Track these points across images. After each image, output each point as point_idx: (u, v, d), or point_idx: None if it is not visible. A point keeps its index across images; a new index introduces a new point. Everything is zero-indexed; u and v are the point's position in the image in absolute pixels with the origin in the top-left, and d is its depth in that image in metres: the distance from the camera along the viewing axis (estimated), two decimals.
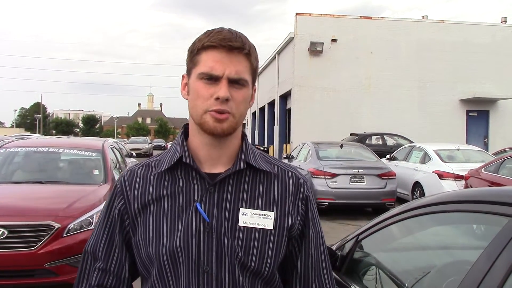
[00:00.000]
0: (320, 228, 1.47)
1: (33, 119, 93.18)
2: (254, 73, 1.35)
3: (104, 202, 5.75)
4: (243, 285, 1.30)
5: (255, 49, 1.35)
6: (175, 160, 1.35)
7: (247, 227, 1.32)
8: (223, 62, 1.27)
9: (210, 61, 1.28)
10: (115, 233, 1.40)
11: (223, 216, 1.31)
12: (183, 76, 1.39)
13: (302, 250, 1.42)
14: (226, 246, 1.29)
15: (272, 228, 1.34)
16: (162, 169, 1.37)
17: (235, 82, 1.28)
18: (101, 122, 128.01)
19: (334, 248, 2.54)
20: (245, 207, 1.33)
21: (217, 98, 1.26)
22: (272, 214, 1.35)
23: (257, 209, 1.34)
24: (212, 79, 1.28)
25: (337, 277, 2.37)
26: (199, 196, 1.33)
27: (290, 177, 1.42)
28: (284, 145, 24.00)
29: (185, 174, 1.36)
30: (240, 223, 1.32)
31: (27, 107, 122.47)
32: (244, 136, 1.43)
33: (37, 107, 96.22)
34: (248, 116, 39.59)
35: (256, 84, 1.40)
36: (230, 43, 1.27)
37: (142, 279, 1.41)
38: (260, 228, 1.33)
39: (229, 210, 1.32)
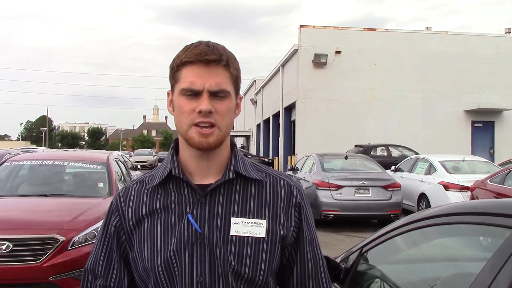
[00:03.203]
0: (315, 234, 1.48)
1: (39, 132, 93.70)
2: (236, 82, 1.37)
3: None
4: None
5: (235, 59, 1.37)
6: (166, 174, 1.37)
7: (239, 236, 1.33)
8: (202, 76, 1.29)
9: (189, 77, 1.30)
10: (113, 250, 1.42)
11: (215, 226, 1.33)
12: (168, 93, 1.41)
13: (298, 256, 1.43)
14: (219, 256, 1.31)
15: (264, 236, 1.35)
16: (154, 184, 1.39)
17: (216, 94, 1.30)
18: (106, 135, 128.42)
19: (338, 260, 2.53)
20: (237, 216, 1.35)
21: (200, 112, 1.29)
22: (264, 222, 1.36)
23: (249, 217, 1.35)
24: (193, 94, 1.30)
25: None
26: (191, 208, 1.34)
27: (282, 184, 1.43)
28: (289, 157, 23.99)
29: (177, 187, 1.38)
30: (232, 232, 1.33)
31: (33, 120, 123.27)
32: (233, 146, 1.45)
33: (43, 120, 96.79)
34: (253, 128, 39.65)
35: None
36: (206, 56, 1.29)
37: None
38: (252, 237, 1.34)
39: (221, 219, 1.34)
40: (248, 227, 1.34)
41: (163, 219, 1.36)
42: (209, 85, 1.29)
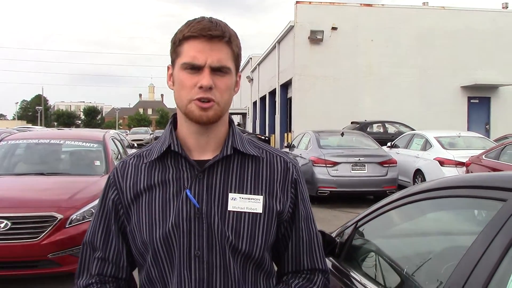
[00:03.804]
0: (310, 209, 1.50)
1: (35, 111, 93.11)
2: (237, 60, 1.38)
3: None
4: (233, 268, 1.34)
5: (237, 36, 1.37)
6: (164, 149, 1.38)
7: (237, 212, 1.35)
8: (204, 52, 1.30)
9: (191, 51, 1.30)
10: (111, 223, 1.44)
11: (213, 202, 1.35)
12: (168, 67, 1.41)
13: (294, 230, 1.45)
14: (217, 231, 1.33)
15: (261, 211, 1.37)
16: (153, 158, 1.41)
17: (217, 70, 1.31)
18: (102, 114, 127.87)
19: (333, 235, 2.55)
20: (234, 192, 1.37)
21: (201, 87, 1.29)
22: (261, 198, 1.38)
23: (246, 193, 1.38)
24: (194, 68, 1.30)
25: (336, 263, 2.38)
26: (189, 183, 1.36)
27: (279, 161, 1.45)
28: (286, 134, 24.01)
29: (175, 162, 1.39)
30: (230, 208, 1.35)
31: (29, 99, 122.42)
32: (231, 122, 1.46)
33: (39, 99, 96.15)
34: (249, 105, 39.55)
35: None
36: (210, 32, 1.29)
37: (139, 267, 1.45)
38: (249, 212, 1.36)
39: (219, 195, 1.36)
40: (245, 202, 1.36)
41: (161, 194, 1.37)
42: (211, 60, 1.30)
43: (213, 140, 1.40)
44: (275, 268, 1.52)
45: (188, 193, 1.34)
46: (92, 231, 1.46)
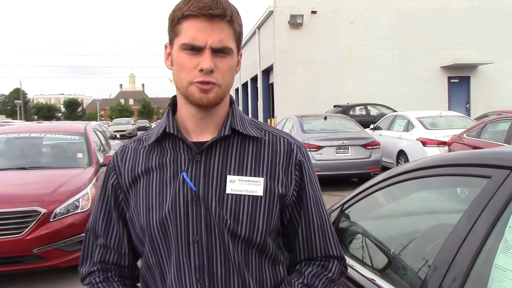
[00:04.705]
0: (320, 192, 1.43)
1: (14, 105, 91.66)
2: (239, 39, 1.32)
3: (90, 185, 5.58)
4: (234, 253, 1.29)
5: (238, 14, 1.30)
6: (161, 132, 1.34)
7: (236, 195, 1.29)
8: (205, 32, 1.23)
9: (191, 31, 1.23)
10: (111, 210, 1.41)
11: (210, 184, 1.30)
12: (165, 46, 1.35)
13: (302, 215, 1.38)
14: (214, 215, 1.28)
15: (262, 194, 1.31)
16: (150, 142, 1.37)
17: (219, 51, 1.25)
18: (83, 106, 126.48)
19: None
20: (233, 174, 1.31)
21: (201, 70, 1.23)
22: (261, 180, 1.32)
23: (246, 175, 1.31)
24: (194, 49, 1.24)
25: None
26: (186, 166, 1.31)
27: (282, 142, 1.38)
28: (269, 120, 24.00)
29: (173, 144, 1.35)
30: (228, 191, 1.29)
31: (7, 93, 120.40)
32: (232, 102, 1.40)
33: (17, 93, 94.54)
34: (232, 92, 39.36)
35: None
36: (210, 11, 1.22)
37: (140, 254, 1.42)
38: (249, 195, 1.30)
39: (217, 177, 1.30)
40: (245, 185, 1.30)
41: (158, 178, 1.33)
42: (212, 41, 1.23)
43: (213, 121, 1.35)
44: (284, 255, 1.44)
45: (185, 176, 1.29)
46: (94, 218, 1.43)
